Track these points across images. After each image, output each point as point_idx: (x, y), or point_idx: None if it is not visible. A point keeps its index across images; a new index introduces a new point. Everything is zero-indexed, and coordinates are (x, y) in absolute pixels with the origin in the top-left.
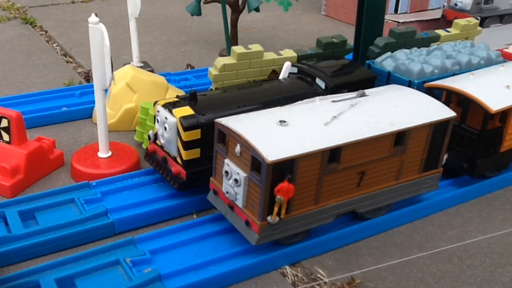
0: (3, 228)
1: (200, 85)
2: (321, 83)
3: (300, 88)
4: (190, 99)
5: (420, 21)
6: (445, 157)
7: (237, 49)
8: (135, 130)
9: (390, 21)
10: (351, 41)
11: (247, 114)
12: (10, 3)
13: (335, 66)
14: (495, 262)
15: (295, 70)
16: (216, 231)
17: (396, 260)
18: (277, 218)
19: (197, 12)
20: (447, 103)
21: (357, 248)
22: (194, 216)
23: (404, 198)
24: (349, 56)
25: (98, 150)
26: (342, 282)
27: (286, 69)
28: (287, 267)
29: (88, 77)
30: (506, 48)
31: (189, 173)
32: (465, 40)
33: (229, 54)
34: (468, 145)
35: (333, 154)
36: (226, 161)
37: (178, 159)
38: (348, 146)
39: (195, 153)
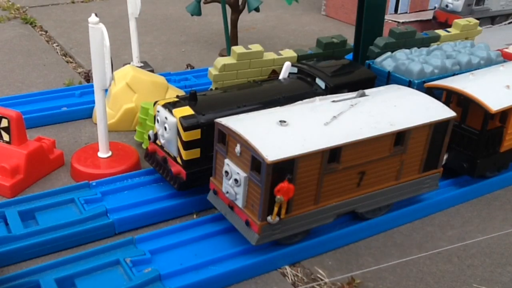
0: (3, 228)
1: (200, 85)
2: (321, 83)
3: (300, 88)
4: (190, 99)
5: (420, 21)
6: (445, 157)
7: (237, 49)
8: (135, 130)
9: (390, 21)
10: (351, 41)
11: (247, 114)
12: (10, 3)
13: (335, 66)
14: (495, 262)
15: (295, 70)
16: (216, 231)
17: (396, 260)
18: (277, 218)
19: (197, 12)
20: (447, 103)
21: (357, 248)
22: (194, 216)
23: (404, 198)
24: (349, 56)
25: (98, 150)
26: (342, 282)
27: (286, 69)
28: (287, 267)
29: (88, 77)
30: (506, 48)
31: (189, 173)
32: (465, 40)
33: (229, 54)
34: (468, 145)
35: (333, 154)
36: (226, 161)
37: (178, 159)
38: (348, 146)
39: (195, 153)
